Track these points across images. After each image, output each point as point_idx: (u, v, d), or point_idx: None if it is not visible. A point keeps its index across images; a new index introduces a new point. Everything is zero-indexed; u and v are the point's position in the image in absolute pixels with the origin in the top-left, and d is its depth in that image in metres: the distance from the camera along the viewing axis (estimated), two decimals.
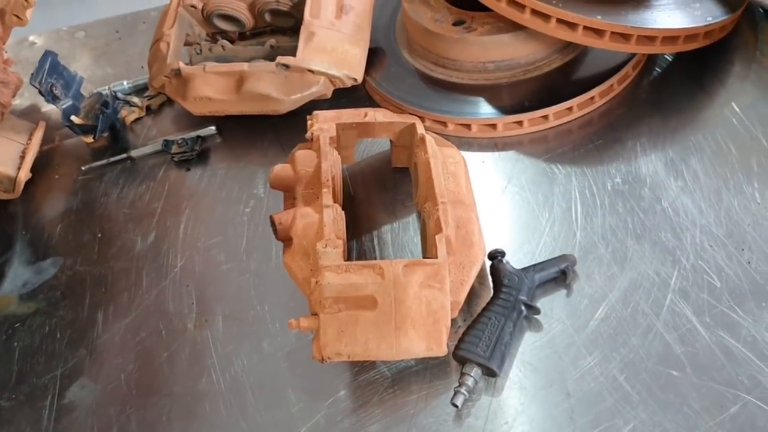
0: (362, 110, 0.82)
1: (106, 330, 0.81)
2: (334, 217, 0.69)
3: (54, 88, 0.99)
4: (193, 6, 0.99)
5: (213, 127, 0.97)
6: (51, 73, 0.98)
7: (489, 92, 0.89)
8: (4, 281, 0.89)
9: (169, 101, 1.04)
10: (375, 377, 0.70)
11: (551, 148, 0.85)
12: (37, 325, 0.83)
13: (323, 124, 0.79)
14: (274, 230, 0.71)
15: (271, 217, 0.71)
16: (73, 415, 0.74)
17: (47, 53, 0.99)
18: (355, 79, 0.92)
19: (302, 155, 0.76)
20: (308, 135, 0.79)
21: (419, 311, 0.65)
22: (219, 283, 0.82)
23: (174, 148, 0.95)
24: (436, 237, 0.68)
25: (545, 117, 0.86)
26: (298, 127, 0.87)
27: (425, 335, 0.65)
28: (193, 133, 0.96)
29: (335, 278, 0.65)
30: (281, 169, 0.75)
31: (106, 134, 1.02)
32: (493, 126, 0.86)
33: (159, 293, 0.82)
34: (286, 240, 0.71)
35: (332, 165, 0.75)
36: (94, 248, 0.89)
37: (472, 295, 0.72)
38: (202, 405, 0.72)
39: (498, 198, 0.82)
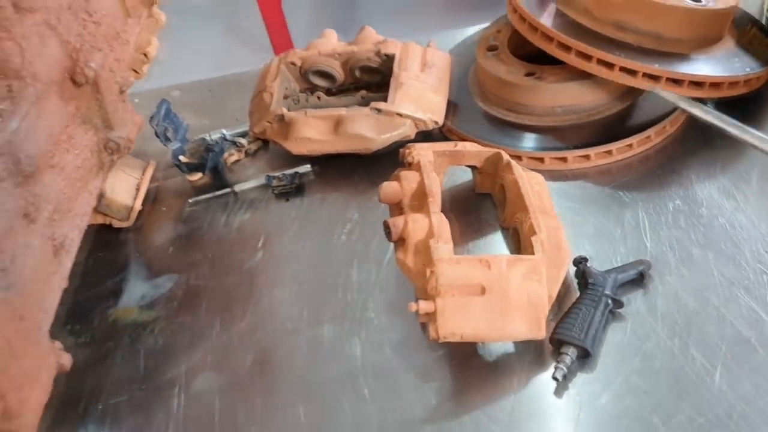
0: (452, 142, 0.96)
1: (224, 332, 0.90)
2: (440, 220, 0.81)
3: (167, 131, 1.12)
4: (293, 63, 1.14)
5: (308, 165, 1.10)
6: (165, 117, 1.12)
7: (557, 132, 1.02)
8: (122, 296, 0.99)
9: (264, 146, 1.18)
10: (478, 363, 0.79)
11: (616, 178, 0.98)
12: (158, 329, 0.93)
13: (421, 150, 0.92)
14: (388, 233, 0.82)
15: (385, 222, 0.82)
16: (201, 401, 0.83)
17: (163, 101, 1.13)
18: (437, 122, 1.06)
19: (406, 174, 0.88)
20: (408, 160, 0.92)
21: (521, 299, 0.75)
22: (325, 291, 0.92)
23: (275, 182, 1.08)
24: (532, 238, 0.79)
25: (609, 152, 0.98)
26: (385, 164, 1.00)
27: (527, 320, 0.75)
28: (292, 170, 1.09)
29: (448, 269, 0.75)
30: (388, 185, 0.87)
31: (207, 174, 1.15)
32: (564, 159, 0.99)
33: (271, 300, 0.93)
34: (399, 241, 0.82)
35: (432, 183, 0.87)
36: (206, 266, 1.00)
37: (559, 296, 0.83)
38: (322, 391, 0.81)
39: (574, 217, 0.93)
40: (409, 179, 0.88)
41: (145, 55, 1.10)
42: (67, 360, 0.79)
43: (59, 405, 0.83)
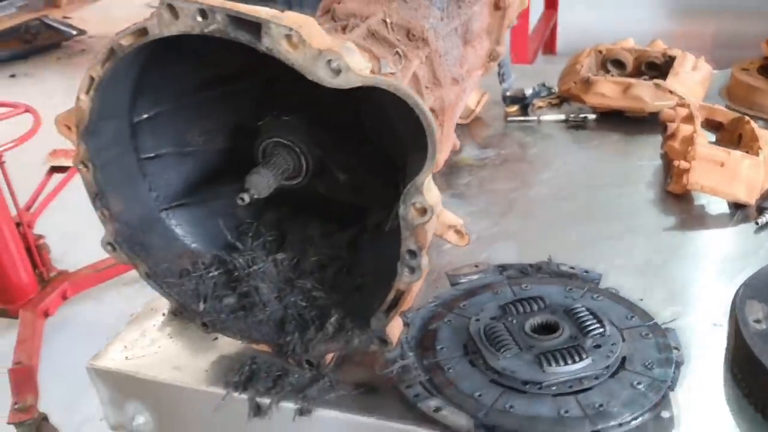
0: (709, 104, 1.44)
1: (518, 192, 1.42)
2: (699, 128, 1.28)
3: (503, 75, 1.69)
4: (600, 51, 1.68)
5: (594, 114, 1.61)
6: (505, 65, 1.69)
7: None
8: (462, 152, 1.54)
9: (559, 105, 1.71)
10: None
11: None
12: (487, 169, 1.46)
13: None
14: (665, 128, 1.30)
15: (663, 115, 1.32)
16: None
17: (507, 55, 1.71)
18: (697, 104, 1.54)
19: (679, 110, 1.37)
20: (680, 102, 1.41)
21: (744, 176, 1.20)
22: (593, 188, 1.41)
23: (571, 117, 1.60)
24: (760, 143, 1.24)
25: None
26: (646, 125, 1.50)
27: (745, 189, 1.19)
28: (583, 114, 1.61)
29: (702, 148, 1.22)
30: (668, 111, 1.36)
31: (519, 109, 1.70)
32: None
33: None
34: (670, 136, 1.30)
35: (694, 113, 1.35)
36: (513, 150, 1.54)
37: None
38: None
39: None
40: (680, 112, 1.36)
41: None
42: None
43: None
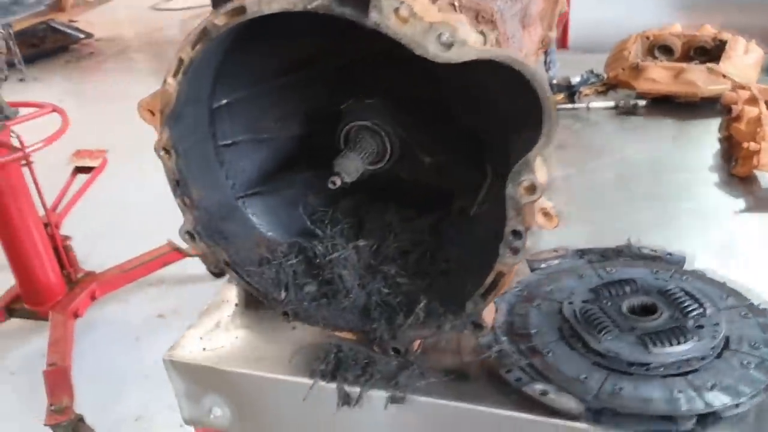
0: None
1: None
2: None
3: (548, 63, 1.67)
4: (647, 38, 1.66)
5: (644, 101, 1.59)
6: (551, 54, 1.68)
7: None
8: None
9: (605, 93, 1.69)
10: None
11: None
12: None
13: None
14: (729, 109, 1.29)
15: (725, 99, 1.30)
16: None
17: (553, 46, 1.69)
18: (749, 86, 1.52)
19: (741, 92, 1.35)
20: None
21: None
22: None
23: (621, 104, 1.58)
24: None
25: None
26: (698, 110, 1.49)
27: None
28: (634, 101, 1.59)
29: None
30: (731, 93, 1.35)
31: (562, 96, 1.68)
32: None
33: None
34: (734, 118, 1.28)
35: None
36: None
37: None
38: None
39: None
40: (742, 95, 1.35)
41: None
42: None
43: None
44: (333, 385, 0.91)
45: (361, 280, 0.95)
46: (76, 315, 2.61)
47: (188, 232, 0.96)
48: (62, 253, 2.67)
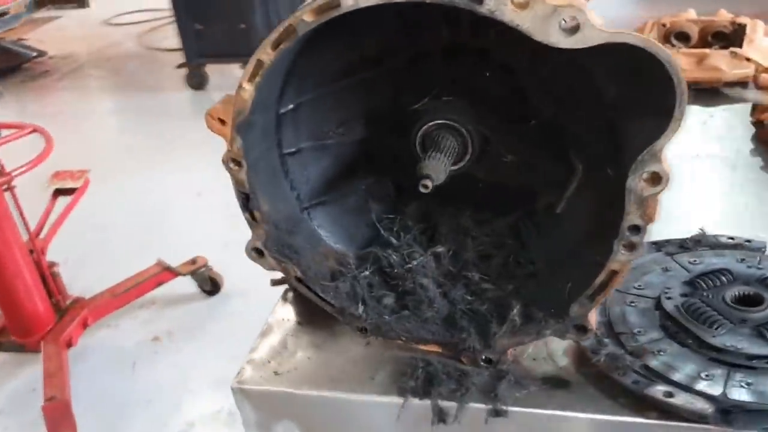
0: None
1: None
2: None
3: None
4: (663, 25, 1.65)
5: None
6: None
7: None
8: None
9: None
10: None
11: None
12: None
13: None
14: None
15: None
16: None
17: None
18: None
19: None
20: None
21: None
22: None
23: None
24: None
25: None
26: (721, 97, 1.47)
27: None
28: None
29: None
30: (765, 79, 1.33)
31: None
32: None
33: None
34: None
35: None
36: None
37: None
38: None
39: None
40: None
41: None
42: None
43: None
44: (424, 402, 0.86)
45: (441, 288, 0.90)
46: (69, 344, 2.48)
47: (254, 249, 0.89)
48: (50, 280, 2.54)
